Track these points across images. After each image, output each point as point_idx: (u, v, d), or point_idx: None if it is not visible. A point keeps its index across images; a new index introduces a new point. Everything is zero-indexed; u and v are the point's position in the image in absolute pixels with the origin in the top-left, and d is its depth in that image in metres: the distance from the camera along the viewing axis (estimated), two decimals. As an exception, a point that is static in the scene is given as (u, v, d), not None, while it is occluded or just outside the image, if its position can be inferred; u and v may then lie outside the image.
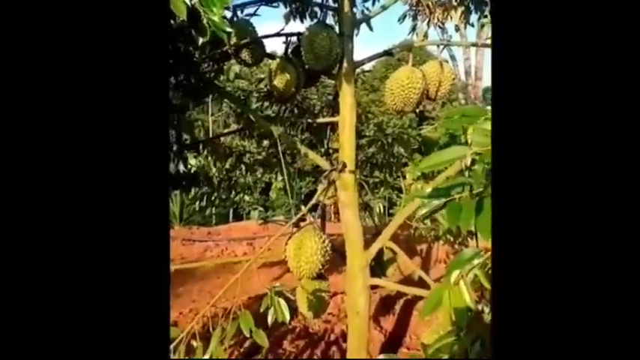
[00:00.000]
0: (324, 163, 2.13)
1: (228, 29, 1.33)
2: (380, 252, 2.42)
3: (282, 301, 1.52)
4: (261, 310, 1.52)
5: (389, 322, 3.93)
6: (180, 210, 10.79)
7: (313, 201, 1.96)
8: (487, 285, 0.94)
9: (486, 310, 1.14)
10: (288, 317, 1.50)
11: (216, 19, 1.29)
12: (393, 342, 3.55)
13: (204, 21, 1.28)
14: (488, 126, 0.77)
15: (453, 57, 11.80)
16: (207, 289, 4.69)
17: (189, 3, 1.19)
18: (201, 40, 1.84)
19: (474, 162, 0.87)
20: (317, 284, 2.09)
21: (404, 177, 4.12)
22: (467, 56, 11.10)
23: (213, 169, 2.85)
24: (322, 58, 1.95)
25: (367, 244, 2.19)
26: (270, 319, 1.52)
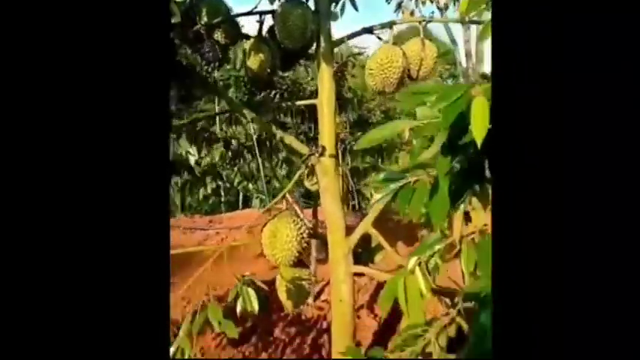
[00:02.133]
0: (302, 148, 2.05)
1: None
2: (367, 238, 2.36)
3: (251, 291, 1.47)
4: (229, 299, 1.47)
5: (383, 309, 3.89)
6: (181, 198, 10.78)
7: (289, 186, 1.89)
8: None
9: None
10: (256, 308, 1.45)
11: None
12: (386, 329, 3.51)
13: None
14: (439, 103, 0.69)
15: (453, 41, 11.46)
16: (203, 278, 4.66)
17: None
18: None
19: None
20: (297, 272, 2.03)
21: (396, 162, 4.05)
22: (467, 38, 10.81)
23: (200, 157, 2.79)
24: (296, 36, 1.86)
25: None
26: (238, 310, 1.46)
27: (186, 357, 1.42)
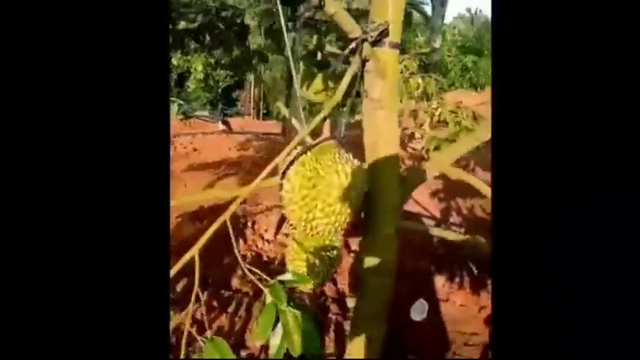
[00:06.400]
0: (352, 26, 1.13)
1: None
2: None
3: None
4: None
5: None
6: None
7: (339, 94, 1.01)
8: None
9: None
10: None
11: None
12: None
13: None
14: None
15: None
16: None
17: None
18: None
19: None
20: (324, 238, 1.24)
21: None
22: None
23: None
24: None
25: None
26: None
27: None
